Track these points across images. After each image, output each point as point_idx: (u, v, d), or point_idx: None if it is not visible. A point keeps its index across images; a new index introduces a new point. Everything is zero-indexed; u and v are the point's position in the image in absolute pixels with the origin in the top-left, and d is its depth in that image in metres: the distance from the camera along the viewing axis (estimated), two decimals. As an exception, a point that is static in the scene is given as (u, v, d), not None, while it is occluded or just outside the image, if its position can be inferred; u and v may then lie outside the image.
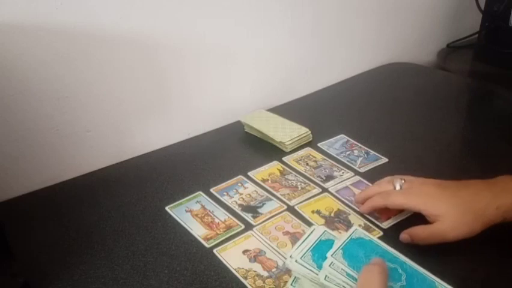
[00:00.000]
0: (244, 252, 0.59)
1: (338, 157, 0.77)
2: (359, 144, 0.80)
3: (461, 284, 0.50)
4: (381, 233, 0.61)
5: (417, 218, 0.63)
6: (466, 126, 0.90)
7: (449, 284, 0.49)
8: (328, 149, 0.79)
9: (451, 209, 0.55)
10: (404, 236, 0.58)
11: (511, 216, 0.55)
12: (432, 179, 0.62)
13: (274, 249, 0.59)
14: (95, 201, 0.70)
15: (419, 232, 0.57)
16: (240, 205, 0.67)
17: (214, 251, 0.59)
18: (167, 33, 0.77)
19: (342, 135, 0.83)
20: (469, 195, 0.56)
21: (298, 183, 0.71)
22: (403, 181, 0.61)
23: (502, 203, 0.55)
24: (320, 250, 0.50)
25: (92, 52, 0.71)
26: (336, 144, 0.81)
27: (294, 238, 0.61)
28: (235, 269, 0.56)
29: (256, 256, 0.58)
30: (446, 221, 0.55)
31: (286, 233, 0.62)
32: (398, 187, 0.61)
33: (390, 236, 0.60)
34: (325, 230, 0.53)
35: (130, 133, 0.80)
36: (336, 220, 0.63)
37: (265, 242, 0.60)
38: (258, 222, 0.64)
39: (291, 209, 0.66)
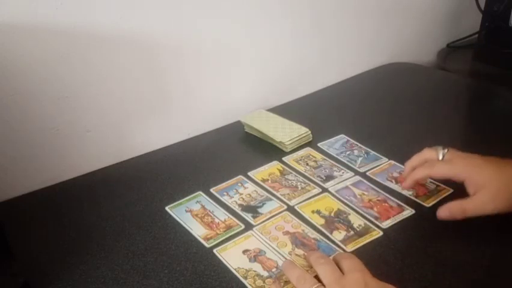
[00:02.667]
0: (244, 252, 0.59)
1: (338, 157, 0.77)
2: (359, 144, 0.80)
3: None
4: (381, 233, 0.61)
5: (420, 218, 0.63)
6: (466, 126, 0.90)
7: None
8: (328, 149, 0.79)
9: (494, 180, 0.55)
10: (443, 211, 0.57)
11: None
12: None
13: (274, 249, 0.59)
14: (95, 201, 0.70)
15: (458, 205, 0.57)
16: (240, 205, 0.67)
17: (214, 250, 0.59)
18: (168, 34, 0.77)
19: (342, 135, 0.83)
20: (508, 167, 0.56)
21: (298, 183, 0.71)
22: (446, 150, 0.60)
23: None
24: None
25: (92, 52, 0.71)
26: (336, 144, 0.81)
27: (294, 238, 0.61)
28: (235, 269, 0.56)
29: (256, 256, 0.58)
30: (487, 192, 0.55)
31: (286, 232, 0.62)
32: (440, 156, 0.60)
33: (391, 236, 0.60)
34: None
35: (130, 133, 0.80)
36: (336, 220, 0.63)
37: (265, 242, 0.60)
38: (258, 222, 0.64)
39: (291, 209, 0.66)
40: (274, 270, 0.56)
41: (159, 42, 0.77)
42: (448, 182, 0.67)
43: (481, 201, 0.56)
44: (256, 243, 0.60)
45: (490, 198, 0.55)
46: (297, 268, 0.53)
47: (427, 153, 0.62)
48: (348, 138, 0.82)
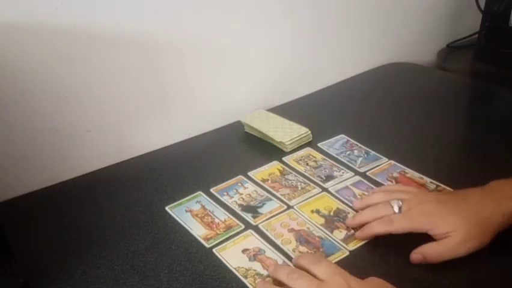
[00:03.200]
0: (244, 251, 0.59)
1: (338, 157, 0.77)
2: (359, 144, 0.80)
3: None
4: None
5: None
6: (466, 126, 0.90)
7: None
8: (328, 149, 0.79)
9: (458, 223, 0.54)
10: (416, 256, 0.55)
11: None
12: (425, 193, 0.61)
13: (275, 247, 0.59)
14: (95, 201, 0.70)
15: (432, 250, 0.55)
16: (240, 205, 0.67)
17: (214, 250, 0.59)
18: (168, 34, 0.77)
19: (342, 135, 0.83)
20: (471, 206, 0.55)
21: (298, 183, 0.71)
22: (400, 202, 0.58)
23: (506, 210, 0.54)
24: None
25: (92, 52, 0.71)
26: (336, 144, 0.81)
27: (299, 235, 0.61)
28: (235, 268, 0.56)
29: (255, 255, 0.58)
30: (456, 237, 0.54)
31: (291, 230, 0.62)
32: (396, 209, 0.57)
33: (391, 235, 0.60)
34: None
35: (130, 133, 0.80)
36: (336, 219, 0.63)
37: (264, 240, 0.60)
38: (258, 222, 0.64)
39: (291, 209, 0.66)
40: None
41: (159, 42, 0.77)
42: (450, 181, 0.67)
43: (452, 246, 0.54)
44: (255, 243, 0.60)
45: (460, 242, 0.54)
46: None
47: (381, 208, 0.59)
48: (348, 138, 0.82)
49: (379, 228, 0.57)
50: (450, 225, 0.54)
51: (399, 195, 0.59)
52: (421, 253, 0.55)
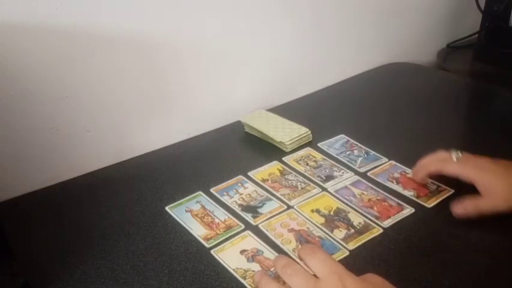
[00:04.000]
0: (242, 252, 0.59)
1: (338, 157, 0.77)
2: (359, 144, 0.80)
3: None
4: (381, 231, 0.61)
5: (421, 218, 0.63)
6: (466, 126, 0.90)
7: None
8: (328, 149, 0.79)
9: (504, 182, 0.59)
10: (459, 209, 0.61)
11: None
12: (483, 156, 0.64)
13: (274, 247, 0.59)
14: (95, 201, 0.70)
15: (472, 204, 0.60)
16: (240, 205, 0.67)
17: (212, 251, 0.59)
18: (168, 34, 0.77)
19: (342, 135, 0.83)
20: None
21: (298, 183, 0.71)
22: (460, 154, 0.64)
23: None
24: None
25: (93, 52, 0.71)
26: (336, 144, 0.81)
27: (299, 235, 0.61)
28: (233, 269, 0.56)
29: (254, 256, 0.58)
30: (498, 192, 0.59)
31: (291, 230, 0.62)
32: (454, 158, 0.63)
33: (391, 235, 0.60)
34: None
35: (130, 133, 0.80)
36: (336, 219, 0.63)
37: (262, 241, 0.60)
38: (258, 222, 0.64)
39: (291, 209, 0.66)
40: (272, 269, 0.56)
41: (159, 42, 0.77)
42: (451, 182, 0.67)
43: (493, 200, 0.59)
44: (253, 243, 0.60)
45: (501, 198, 0.58)
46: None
47: (441, 154, 0.66)
48: (348, 138, 0.82)
49: (433, 166, 0.65)
50: (495, 181, 0.59)
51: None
52: (463, 206, 0.60)
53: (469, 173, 0.61)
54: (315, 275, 0.47)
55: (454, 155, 0.64)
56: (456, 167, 0.63)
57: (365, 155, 0.77)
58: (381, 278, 0.47)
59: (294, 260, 0.53)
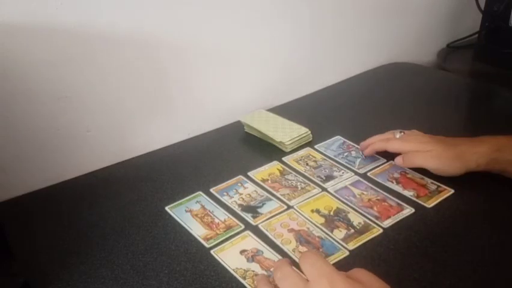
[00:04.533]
0: (242, 252, 0.59)
1: (336, 158, 0.77)
2: (356, 145, 0.80)
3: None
4: (381, 231, 0.61)
5: (421, 218, 0.63)
6: (466, 126, 0.90)
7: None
8: (325, 151, 0.79)
9: (437, 146, 0.67)
10: (399, 159, 0.70)
11: (488, 165, 0.65)
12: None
13: (274, 247, 0.59)
14: (95, 201, 0.70)
15: (408, 155, 0.69)
16: (239, 205, 0.67)
17: (212, 251, 0.59)
18: (168, 33, 0.77)
19: (339, 137, 0.83)
20: (452, 141, 0.69)
21: (298, 183, 0.71)
22: (402, 133, 0.73)
23: (477, 150, 0.65)
24: None
25: (93, 52, 0.71)
26: (333, 145, 0.80)
27: (299, 235, 0.61)
28: (233, 269, 0.56)
29: (253, 256, 0.58)
30: (432, 152, 0.67)
31: (291, 230, 0.62)
32: (397, 136, 0.73)
33: (391, 235, 0.60)
34: None
35: (131, 133, 0.81)
36: (336, 219, 0.63)
37: (262, 241, 0.60)
38: (258, 222, 0.64)
39: (290, 209, 0.66)
40: (272, 269, 0.56)
41: (159, 42, 0.77)
42: (451, 182, 0.67)
43: (427, 156, 0.67)
44: (253, 243, 0.60)
45: (435, 155, 0.67)
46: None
47: (386, 134, 0.75)
48: (345, 140, 0.82)
49: (378, 145, 0.73)
50: (430, 147, 0.68)
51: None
52: (403, 157, 0.70)
53: (409, 146, 0.69)
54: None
55: (398, 134, 0.73)
56: (397, 143, 0.71)
57: (363, 156, 0.77)
58: (370, 275, 0.45)
59: (295, 262, 0.53)
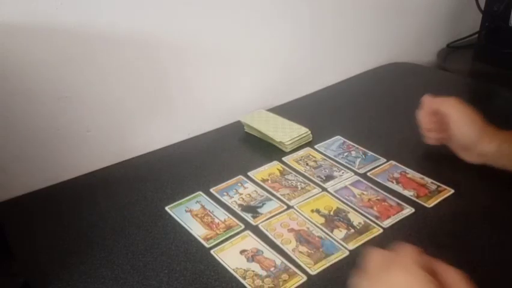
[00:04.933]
0: (242, 252, 0.59)
1: (336, 158, 0.77)
2: (356, 145, 0.80)
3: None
4: (381, 231, 0.61)
5: (421, 218, 0.63)
6: (466, 126, 0.90)
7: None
8: (325, 151, 0.79)
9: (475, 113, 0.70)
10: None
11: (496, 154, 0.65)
12: None
13: (274, 247, 0.59)
14: (95, 201, 0.70)
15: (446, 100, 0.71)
16: (239, 205, 0.67)
17: (212, 251, 0.59)
18: (168, 33, 0.77)
19: (339, 137, 0.83)
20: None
21: (298, 183, 0.71)
22: None
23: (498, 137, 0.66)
24: None
25: (93, 52, 0.71)
26: (333, 145, 0.81)
27: (299, 235, 0.61)
28: (233, 269, 0.56)
29: (253, 256, 0.58)
30: (466, 109, 0.70)
31: (291, 230, 0.62)
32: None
33: (391, 235, 0.60)
34: None
35: (131, 133, 0.81)
36: (336, 218, 0.63)
37: (262, 241, 0.60)
38: (258, 222, 0.64)
39: (290, 209, 0.66)
40: (272, 269, 0.56)
41: (160, 42, 0.77)
42: (451, 182, 0.67)
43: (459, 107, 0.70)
44: (253, 243, 0.60)
45: (463, 110, 0.70)
46: None
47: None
48: (345, 140, 0.82)
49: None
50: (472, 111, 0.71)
51: None
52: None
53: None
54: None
55: None
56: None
57: (363, 156, 0.77)
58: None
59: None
